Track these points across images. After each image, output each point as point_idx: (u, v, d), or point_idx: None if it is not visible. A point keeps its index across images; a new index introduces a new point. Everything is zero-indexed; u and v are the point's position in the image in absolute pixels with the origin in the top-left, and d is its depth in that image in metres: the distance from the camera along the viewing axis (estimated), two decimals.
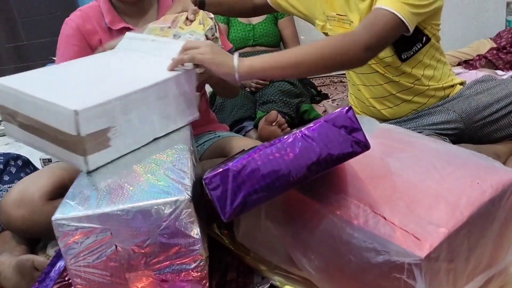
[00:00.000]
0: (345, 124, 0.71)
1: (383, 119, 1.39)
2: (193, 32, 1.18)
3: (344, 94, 2.37)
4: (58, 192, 1.16)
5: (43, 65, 2.76)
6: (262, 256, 0.95)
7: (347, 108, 0.73)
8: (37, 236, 1.21)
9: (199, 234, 0.77)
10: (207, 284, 0.81)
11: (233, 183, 0.68)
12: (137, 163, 0.89)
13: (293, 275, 0.90)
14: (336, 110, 0.73)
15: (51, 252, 1.19)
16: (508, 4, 2.56)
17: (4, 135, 2.63)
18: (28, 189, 1.14)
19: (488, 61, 2.10)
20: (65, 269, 0.95)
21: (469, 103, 1.31)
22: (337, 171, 0.82)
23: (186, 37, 1.17)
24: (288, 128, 1.70)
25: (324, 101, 2.28)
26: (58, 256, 1.01)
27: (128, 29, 1.32)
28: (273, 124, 1.64)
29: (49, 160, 1.94)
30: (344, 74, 1.52)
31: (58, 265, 0.98)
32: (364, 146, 0.72)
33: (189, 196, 0.75)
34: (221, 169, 0.68)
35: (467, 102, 1.31)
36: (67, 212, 0.74)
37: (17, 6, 2.95)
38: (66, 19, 1.35)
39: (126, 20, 1.35)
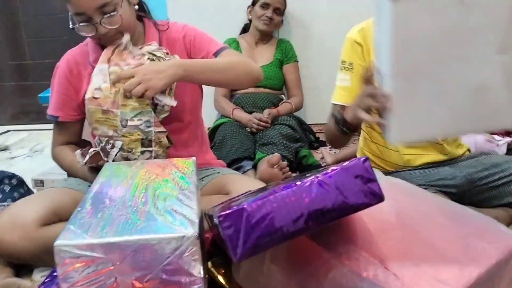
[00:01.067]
0: (361, 174, 0.71)
1: (395, 165, 1.41)
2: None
3: None
4: (51, 218, 1.13)
5: (44, 85, 2.77)
6: None
7: (363, 158, 0.73)
8: (26, 262, 1.16)
9: (201, 273, 0.75)
10: None
11: (246, 223, 0.66)
12: (144, 195, 0.87)
13: None
14: (353, 159, 0.73)
15: (37, 277, 1.14)
16: None
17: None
18: (20, 212, 1.10)
19: None
20: None
21: (475, 166, 1.38)
22: (347, 221, 0.81)
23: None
24: (289, 172, 1.70)
25: (322, 148, 2.29)
26: (47, 283, 0.97)
27: None
28: (275, 166, 1.64)
29: (41, 182, 1.90)
30: None
31: None
32: (379, 197, 0.72)
33: (196, 233, 0.73)
34: (235, 208, 0.67)
35: (472, 165, 1.38)
36: (70, 238, 0.71)
37: (26, 26, 2.99)
38: (58, 63, 1.36)
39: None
